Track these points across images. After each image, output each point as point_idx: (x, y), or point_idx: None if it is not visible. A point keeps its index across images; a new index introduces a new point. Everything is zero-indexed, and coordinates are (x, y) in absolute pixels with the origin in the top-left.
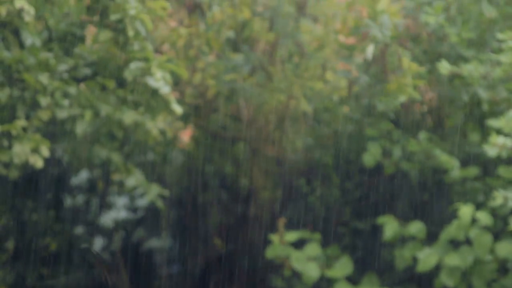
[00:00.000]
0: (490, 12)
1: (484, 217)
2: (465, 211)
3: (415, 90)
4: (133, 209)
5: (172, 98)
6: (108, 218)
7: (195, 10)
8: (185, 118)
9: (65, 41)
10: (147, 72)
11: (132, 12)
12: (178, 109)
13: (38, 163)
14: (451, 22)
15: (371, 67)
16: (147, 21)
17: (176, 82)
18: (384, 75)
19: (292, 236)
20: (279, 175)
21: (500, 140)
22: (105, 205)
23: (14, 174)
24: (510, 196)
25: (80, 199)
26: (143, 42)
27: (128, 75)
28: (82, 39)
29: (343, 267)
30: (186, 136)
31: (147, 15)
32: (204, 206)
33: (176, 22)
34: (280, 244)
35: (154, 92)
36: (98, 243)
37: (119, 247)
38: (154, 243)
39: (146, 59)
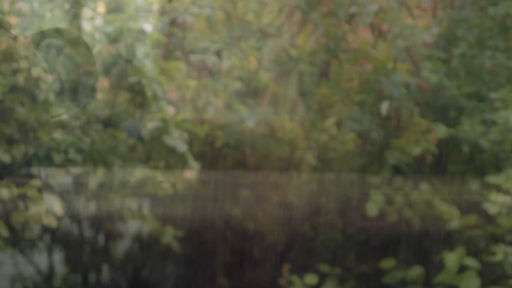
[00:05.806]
0: (491, 64)
1: (472, 263)
2: (451, 258)
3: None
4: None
5: (190, 156)
6: (115, 250)
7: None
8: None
9: (77, 91)
10: (164, 131)
11: (150, 74)
12: (196, 166)
13: (53, 223)
14: (453, 74)
15: (385, 123)
16: (164, 83)
17: None
18: (398, 131)
19: (311, 279)
20: (283, 219)
21: (500, 198)
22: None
23: (29, 234)
24: (510, 252)
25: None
26: (160, 103)
27: (145, 134)
28: (94, 90)
29: None
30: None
31: (162, 76)
32: (210, 245)
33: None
34: (300, 284)
35: (172, 150)
36: (105, 275)
37: (125, 281)
38: (159, 278)
39: (163, 120)
